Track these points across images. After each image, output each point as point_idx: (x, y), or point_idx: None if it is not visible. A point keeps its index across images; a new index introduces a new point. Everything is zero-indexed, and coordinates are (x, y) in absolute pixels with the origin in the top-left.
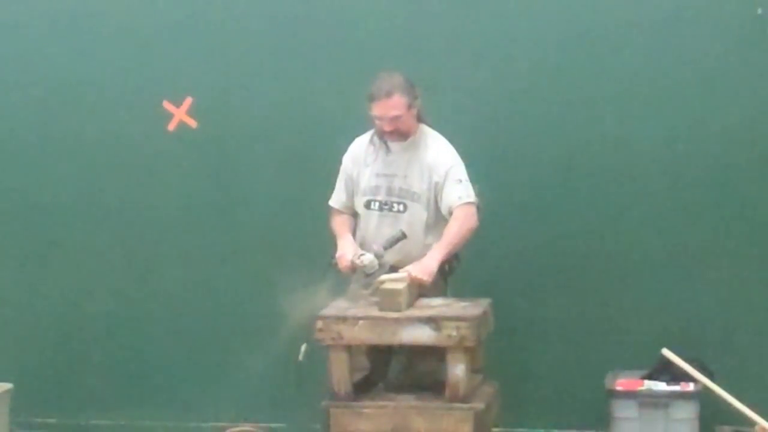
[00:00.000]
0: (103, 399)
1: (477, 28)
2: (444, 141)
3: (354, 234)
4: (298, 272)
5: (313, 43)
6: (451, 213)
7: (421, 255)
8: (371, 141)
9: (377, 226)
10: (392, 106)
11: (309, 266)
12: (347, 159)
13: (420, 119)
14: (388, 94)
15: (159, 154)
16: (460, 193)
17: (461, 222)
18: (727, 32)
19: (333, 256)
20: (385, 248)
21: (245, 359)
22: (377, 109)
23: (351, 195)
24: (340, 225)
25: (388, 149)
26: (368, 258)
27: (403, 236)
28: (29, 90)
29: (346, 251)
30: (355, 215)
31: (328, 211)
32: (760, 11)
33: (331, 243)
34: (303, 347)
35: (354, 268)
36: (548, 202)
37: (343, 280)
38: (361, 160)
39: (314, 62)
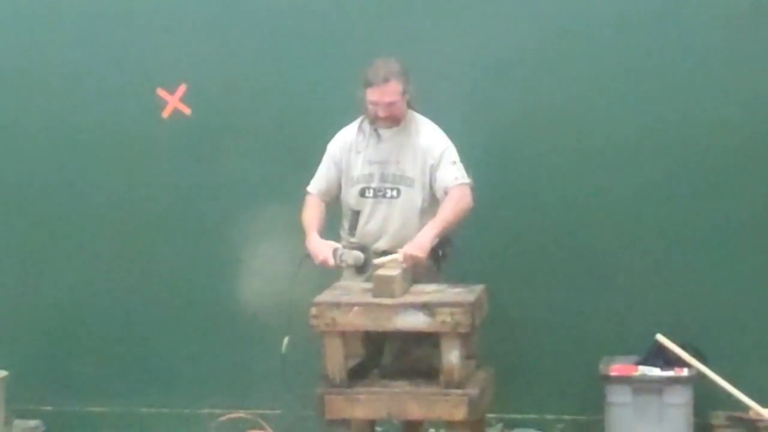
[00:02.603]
0: (98, 386)
1: (471, 17)
2: (433, 125)
3: (322, 226)
4: (291, 260)
5: (307, 31)
6: (446, 193)
7: None
8: (360, 128)
9: (370, 213)
10: (389, 92)
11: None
12: (334, 147)
13: (409, 105)
14: (386, 80)
15: (153, 141)
16: (455, 173)
17: (456, 201)
18: (723, 20)
19: (306, 251)
20: (352, 233)
21: (240, 347)
22: (373, 95)
23: (332, 183)
24: (310, 216)
25: (379, 136)
26: (352, 256)
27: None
28: (21, 79)
29: (322, 251)
30: (329, 203)
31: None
32: None
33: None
34: (285, 339)
35: (338, 266)
36: (542, 190)
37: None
38: (351, 148)
39: (309, 50)
